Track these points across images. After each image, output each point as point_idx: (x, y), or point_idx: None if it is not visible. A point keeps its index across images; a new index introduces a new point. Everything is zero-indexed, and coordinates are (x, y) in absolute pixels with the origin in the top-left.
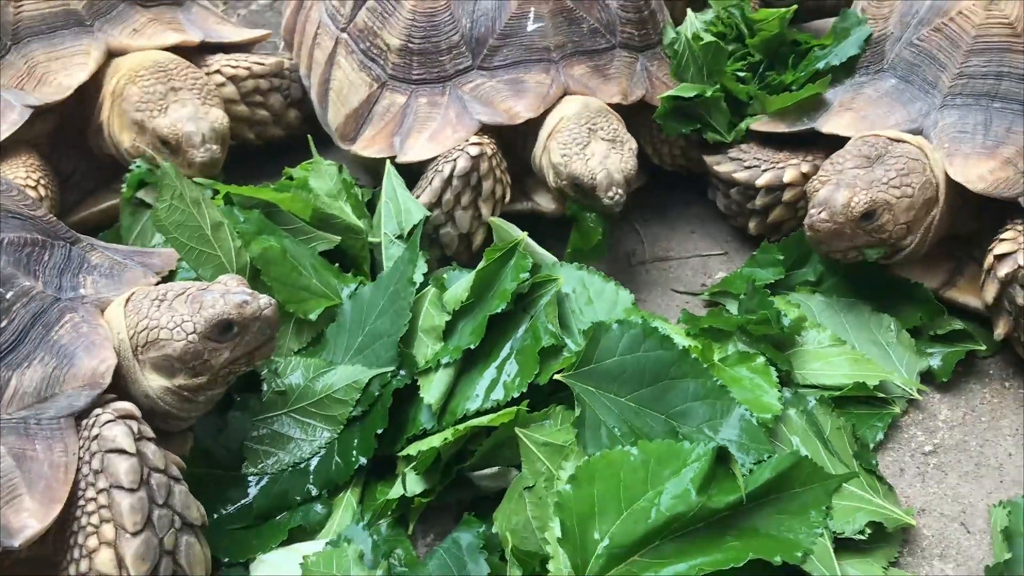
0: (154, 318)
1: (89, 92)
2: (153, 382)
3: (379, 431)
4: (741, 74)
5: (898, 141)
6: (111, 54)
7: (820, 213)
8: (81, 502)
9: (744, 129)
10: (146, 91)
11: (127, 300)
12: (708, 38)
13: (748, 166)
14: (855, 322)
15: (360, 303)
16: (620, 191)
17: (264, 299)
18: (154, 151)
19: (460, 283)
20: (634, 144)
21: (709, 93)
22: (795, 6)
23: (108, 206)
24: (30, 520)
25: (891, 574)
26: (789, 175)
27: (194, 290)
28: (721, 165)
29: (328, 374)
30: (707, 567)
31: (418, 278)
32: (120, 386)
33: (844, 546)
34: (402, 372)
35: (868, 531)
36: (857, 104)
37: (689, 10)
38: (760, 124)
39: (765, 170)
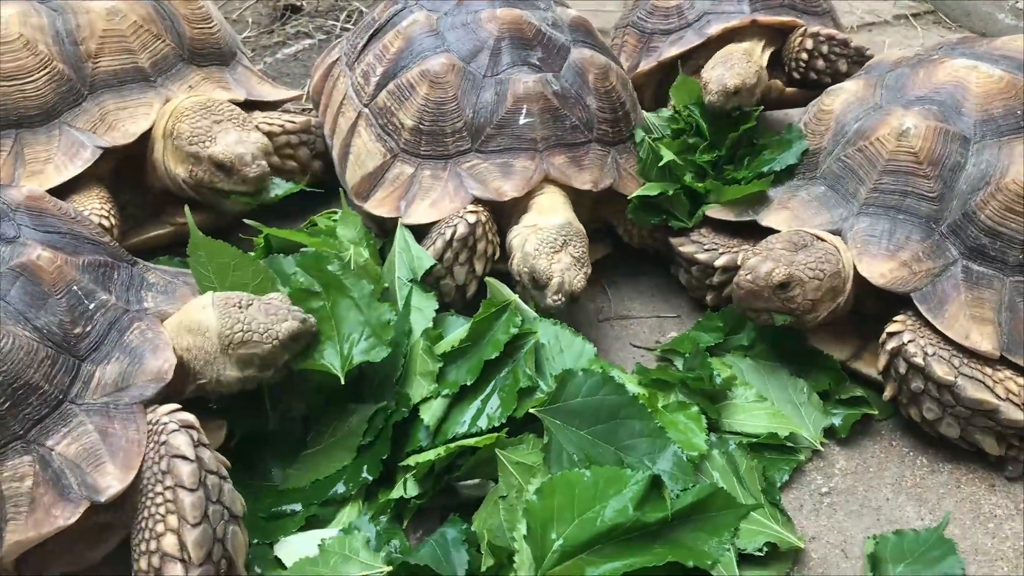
0: (246, 323)
1: (145, 136)
2: (230, 372)
3: (384, 456)
4: (704, 163)
5: (820, 239)
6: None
7: (747, 276)
8: (151, 494)
9: (702, 215)
10: (195, 126)
11: (211, 304)
12: (668, 156)
13: (707, 249)
14: (776, 383)
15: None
16: (563, 299)
17: (313, 319)
18: (211, 176)
19: (458, 330)
20: (589, 270)
21: (671, 192)
22: (753, 123)
23: (154, 235)
24: (113, 481)
25: None
26: (742, 258)
27: (259, 302)
28: (685, 247)
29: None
30: (637, 565)
31: (428, 315)
32: (189, 371)
33: (746, 560)
34: (403, 409)
35: (766, 549)
36: (792, 204)
37: (646, 114)
38: (714, 212)
39: (722, 253)
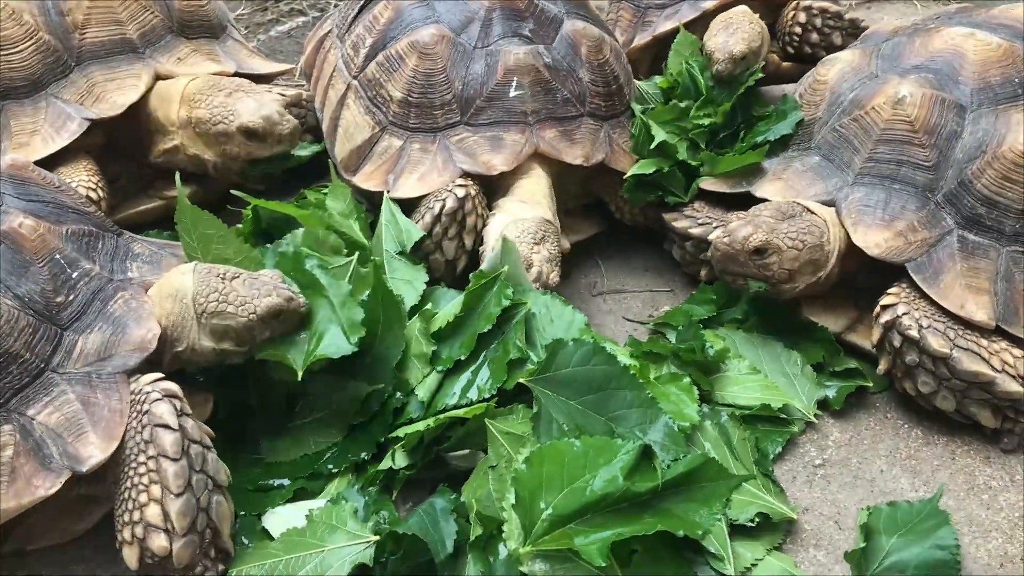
0: (223, 293)
1: (137, 108)
2: (204, 342)
3: (380, 439)
4: (698, 128)
5: (811, 212)
6: (158, 78)
7: (724, 238)
8: (134, 464)
9: (696, 189)
10: (212, 108)
11: (193, 270)
12: (660, 136)
13: (701, 223)
14: (769, 355)
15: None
16: (538, 288)
17: (303, 299)
18: (245, 148)
19: (452, 304)
20: (559, 272)
21: (666, 169)
22: (755, 81)
23: (145, 208)
24: (95, 451)
25: (773, 555)
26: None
27: (247, 275)
28: (678, 222)
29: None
30: (626, 534)
31: (419, 288)
32: (167, 337)
33: (737, 531)
34: (399, 394)
35: (758, 520)
36: (787, 175)
37: (638, 83)
38: (708, 184)
39: (716, 227)
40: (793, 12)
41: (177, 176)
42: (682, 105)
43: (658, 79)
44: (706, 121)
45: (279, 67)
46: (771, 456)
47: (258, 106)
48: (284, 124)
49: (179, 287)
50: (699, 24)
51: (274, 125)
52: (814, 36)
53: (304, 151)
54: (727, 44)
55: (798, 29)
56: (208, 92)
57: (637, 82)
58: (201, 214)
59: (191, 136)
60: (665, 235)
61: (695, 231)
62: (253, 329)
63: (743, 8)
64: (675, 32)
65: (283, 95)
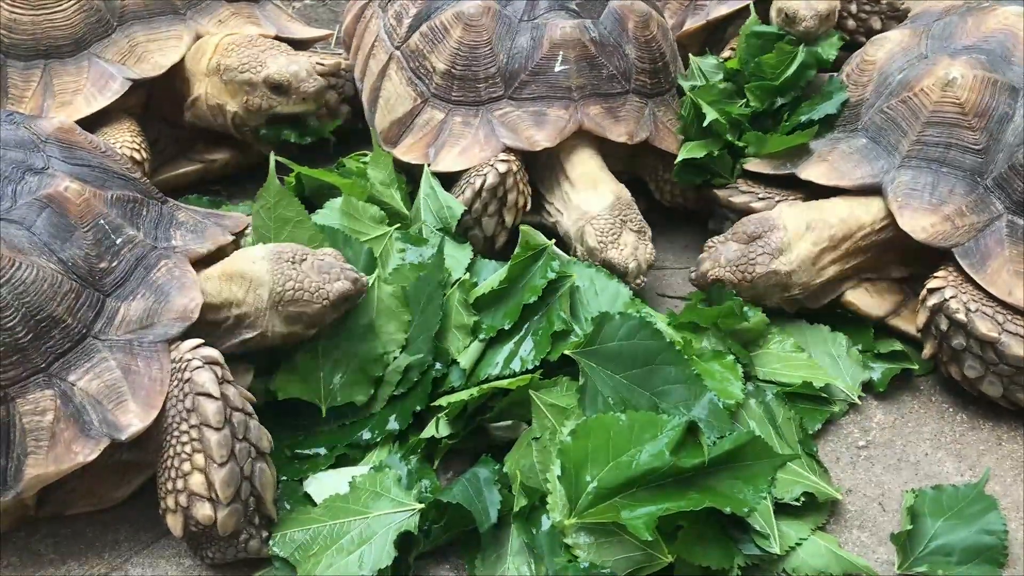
0: (298, 281)
1: (176, 70)
2: (277, 327)
3: (417, 408)
4: (755, 104)
5: (782, 224)
6: (198, 40)
7: (691, 273)
8: (176, 432)
9: (740, 169)
10: (243, 57)
11: (263, 258)
12: (711, 115)
13: (762, 198)
14: (815, 337)
15: (408, 303)
16: (644, 279)
17: (365, 278)
18: (267, 101)
19: (495, 275)
20: (649, 231)
21: (716, 153)
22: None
23: (184, 171)
24: (134, 420)
25: (817, 535)
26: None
27: (313, 257)
28: (736, 197)
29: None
30: (672, 510)
31: (464, 264)
32: (239, 324)
33: (782, 510)
34: (438, 364)
35: (803, 499)
36: (832, 157)
37: (694, 59)
38: (752, 165)
39: (778, 200)
40: None
41: (272, 157)
42: (751, 85)
43: (711, 58)
44: (758, 104)
45: (318, 32)
46: (813, 435)
47: (288, 62)
48: (311, 82)
49: (251, 274)
50: (742, 15)
51: (300, 81)
52: (851, 23)
53: (326, 126)
54: (811, 2)
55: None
56: (243, 45)
57: (693, 58)
58: (286, 195)
59: (216, 84)
60: (712, 213)
61: (757, 205)
62: (325, 314)
63: None
64: (729, 17)
65: (322, 63)
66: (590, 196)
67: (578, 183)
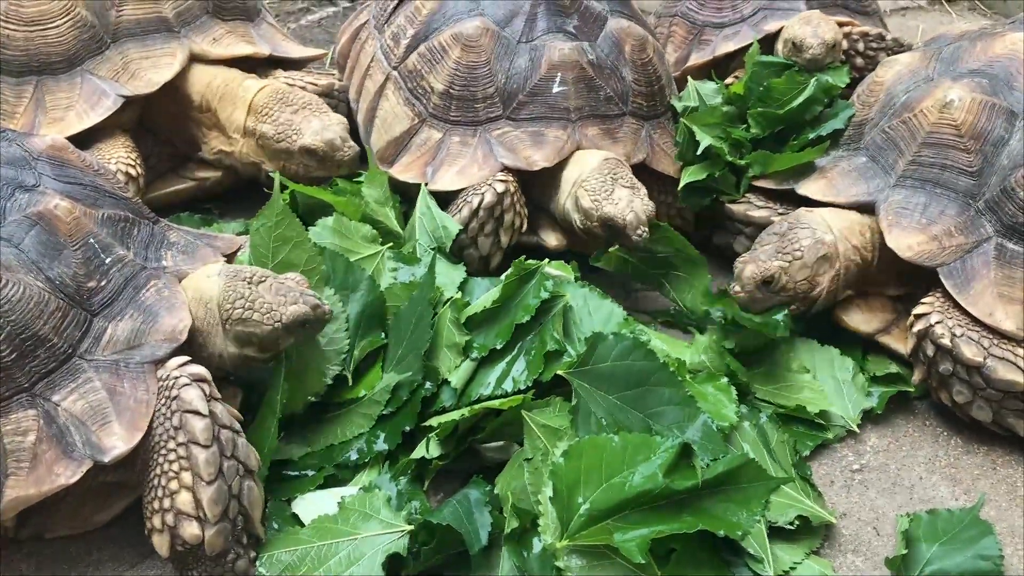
0: (249, 300)
1: (170, 87)
2: (229, 348)
3: (407, 428)
4: (757, 128)
5: (799, 220)
6: (193, 58)
7: (735, 287)
8: (163, 451)
9: (747, 185)
10: (278, 125)
11: (218, 274)
12: (706, 140)
13: (780, 212)
14: (822, 358)
15: (398, 322)
16: (645, 229)
17: (328, 306)
18: (304, 168)
19: (487, 293)
20: (644, 189)
21: (717, 173)
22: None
23: (176, 189)
24: (118, 442)
25: (812, 559)
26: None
27: (273, 280)
28: (752, 212)
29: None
30: (665, 532)
31: (456, 284)
32: (194, 341)
33: (776, 533)
34: (428, 384)
35: (797, 523)
36: (831, 174)
37: (693, 82)
38: (760, 181)
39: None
40: None
41: (276, 177)
42: (756, 110)
43: (710, 84)
44: (758, 130)
45: (313, 52)
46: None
47: (322, 127)
48: (346, 150)
49: (204, 290)
50: (744, 53)
51: (335, 150)
52: (859, 61)
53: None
54: (817, 31)
55: (842, 56)
56: (276, 107)
57: (693, 81)
58: (288, 214)
59: (253, 147)
60: (719, 227)
61: (776, 219)
62: (277, 337)
63: (816, 12)
64: (733, 54)
65: (315, 84)
66: (580, 167)
67: (572, 165)
